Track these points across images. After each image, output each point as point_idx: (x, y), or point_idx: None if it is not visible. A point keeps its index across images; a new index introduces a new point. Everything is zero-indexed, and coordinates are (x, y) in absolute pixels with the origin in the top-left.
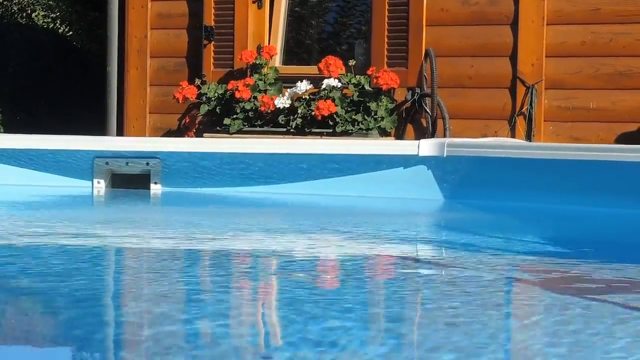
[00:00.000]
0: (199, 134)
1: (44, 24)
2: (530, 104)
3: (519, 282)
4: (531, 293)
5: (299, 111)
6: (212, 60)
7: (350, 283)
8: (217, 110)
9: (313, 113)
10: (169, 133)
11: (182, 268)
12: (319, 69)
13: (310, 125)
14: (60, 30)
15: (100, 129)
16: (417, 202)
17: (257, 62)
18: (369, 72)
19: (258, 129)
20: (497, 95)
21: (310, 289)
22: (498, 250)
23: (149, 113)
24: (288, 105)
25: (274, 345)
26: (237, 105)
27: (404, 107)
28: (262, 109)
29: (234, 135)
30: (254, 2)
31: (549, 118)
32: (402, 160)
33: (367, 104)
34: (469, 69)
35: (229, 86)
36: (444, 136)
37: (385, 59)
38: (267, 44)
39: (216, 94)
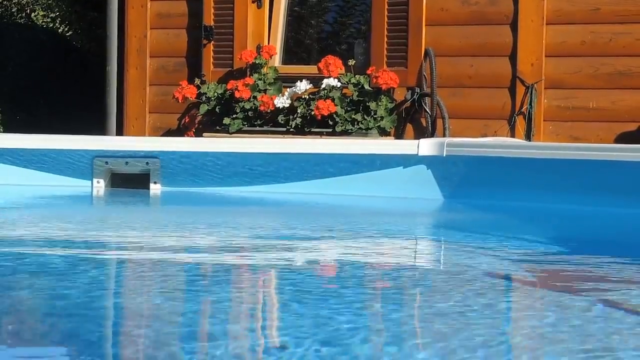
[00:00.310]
0: (198, 134)
1: (43, 23)
2: (530, 104)
3: (518, 281)
4: (531, 292)
5: (299, 111)
6: (211, 59)
7: (349, 283)
8: (217, 109)
9: (313, 113)
10: (169, 133)
11: (182, 268)
12: (319, 69)
13: (310, 125)
14: (59, 30)
15: (99, 129)
16: (416, 202)
17: (257, 62)
18: (368, 72)
19: (258, 128)
20: (496, 95)
21: (310, 289)
22: (498, 250)
23: (149, 113)
24: (288, 105)
25: (274, 343)
26: (236, 105)
27: (404, 106)
28: (262, 108)
29: (233, 135)
30: (253, 2)
31: (548, 118)
32: (401, 159)
33: (367, 104)
34: (468, 68)
35: (229, 86)
36: (444, 136)
37: (385, 59)
38: (267, 44)
39: (216, 94)
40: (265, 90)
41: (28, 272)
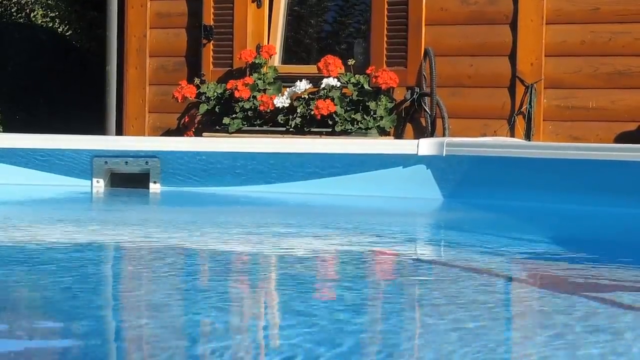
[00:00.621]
0: (198, 134)
1: (43, 23)
2: (530, 103)
3: (518, 281)
4: (530, 292)
5: (298, 110)
6: (211, 59)
7: (348, 282)
8: (217, 109)
9: (312, 112)
10: (168, 132)
11: (181, 267)
12: (318, 69)
13: (310, 125)
14: (59, 30)
15: (99, 128)
16: (416, 202)
17: (257, 62)
18: (368, 72)
19: (257, 128)
20: (496, 95)
21: (309, 289)
22: (497, 250)
23: (148, 112)
24: (287, 105)
25: (273, 343)
26: (236, 105)
27: (403, 106)
28: (262, 108)
29: (233, 135)
30: (253, 2)
31: (548, 117)
32: (401, 159)
33: (367, 103)
34: (468, 68)
35: (228, 85)
36: (443, 135)
37: (385, 58)
38: (267, 43)
39: (215, 94)
40: (264, 90)
41: (26, 272)
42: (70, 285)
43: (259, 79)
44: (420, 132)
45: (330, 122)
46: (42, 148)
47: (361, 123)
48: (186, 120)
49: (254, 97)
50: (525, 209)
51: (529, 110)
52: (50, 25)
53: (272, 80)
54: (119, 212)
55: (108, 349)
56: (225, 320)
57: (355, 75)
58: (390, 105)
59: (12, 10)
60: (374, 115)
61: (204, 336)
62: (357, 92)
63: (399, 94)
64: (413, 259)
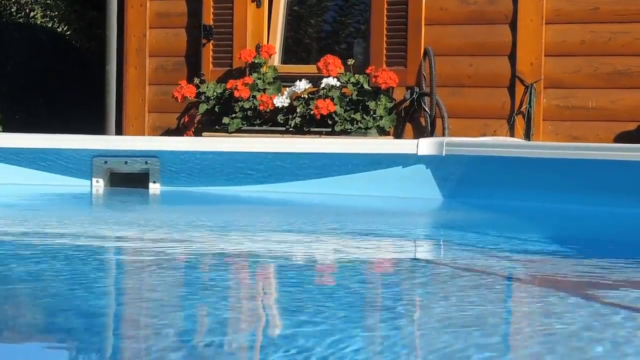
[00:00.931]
0: (197, 133)
1: (42, 23)
2: (529, 103)
3: (517, 280)
4: (530, 292)
5: (298, 110)
6: (210, 59)
7: (348, 282)
8: (216, 109)
9: (312, 112)
10: (168, 132)
11: (181, 267)
12: (318, 68)
13: (309, 125)
14: (59, 30)
15: (99, 128)
16: (416, 201)
17: (256, 61)
18: (367, 71)
19: (257, 128)
20: (496, 95)
21: (308, 288)
22: (497, 249)
23: (148, 112)
24: (287, 105)
25: (273, 344)
26: (236, 105)
27: (403, 106)
28: (261, 108)
29: (232, 135)
30: (252, 1)
31: (548, 117)
32: (401, 159)
33: (366, 103)
34: (467, 68)
35: (228, 85)
36: (443, 135)
37: (384, 58)
38: (266, 43)
39: (215, 93)
40: (264, 90)
41: (26, 271)
42: (69, 285)
43: (259, 78)
44: (420, 132)
45: (329, 122)
46: (41, 148)
47: (361, 123)
48: (186, 120)
49: (254, 96)
50: (524, 209)
51: (528, 110)
52: (49, 25)
53: (272, 80)
54: (118, 212)
55: (107, 349)
56: (225, 320)
57: (355, 75)
58: (389, 105)
59: (12, 10)
60: (374, 115)
61: (203, 336)
62: (356, 92)
63: (399, 94)
64: (412, 259)
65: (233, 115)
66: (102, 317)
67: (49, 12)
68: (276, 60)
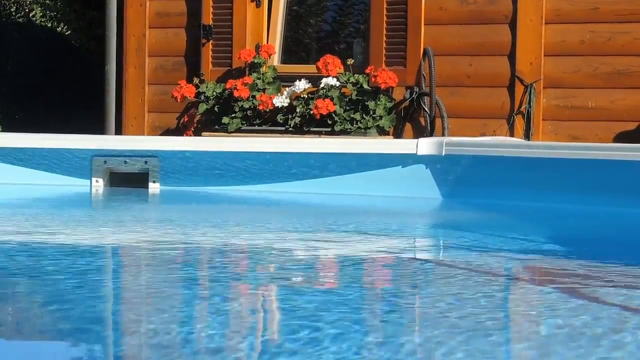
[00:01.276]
0: (197, 133)
1: (42, 22)
2: (529, 103)
3: (517, 280)
4: (529, 291)
5: (298, 110)
6: (210, 59)
7: (347, 282)
8: (216, 109)
9: (311, 112)
10: (168, 132)
11: (180, 267)
12: (318, 68)
13: (309, 124)
14: (58, 29)
15: (98, 128)
16: (415, 201)
17: (256, 61)
18: (367, 71)
19: (256, 127)
20: (495, 94)
21: (307, 288)
22: (496, 249)
23: (148, 112)
24: (286, 104)
25: (272, 345)
26: (235, 104)
27: (403, 106)
28: (261, 107)
29: (232, 134)
30: (252, 1)
31: (547, 117)
32: (400, 159)
33: (366, 103)
34: (467, 67)
35: (228, 85)
36: (443, 135)
37: (384, 58)
38: (266, 43)
39: (215, 93)
40: (264, 90)
41: (25, 271)
42: (69, 284)
43: (258, 78)
44: (420, 132)
45: (329, 122)
46: (41, 147)
47: (360, 122)
48: (185, 119)
49: (253, 96)
50: (524, 209)
51: (528, 110)
52: (49, 24)
53: (272, 79)
54: (118, 212)
55: (108, 349)
56: (224, 320)
57: (355, 75)
58: (389, 104)
59: (12, 10)
60: (373, 115)
61: (204, 336)
62: (356, 92)
63: (398, 94)
64: (411, 259)
65: (232, 115)
66: (102, 316)
67: (48, 12)
68: (276, 60)
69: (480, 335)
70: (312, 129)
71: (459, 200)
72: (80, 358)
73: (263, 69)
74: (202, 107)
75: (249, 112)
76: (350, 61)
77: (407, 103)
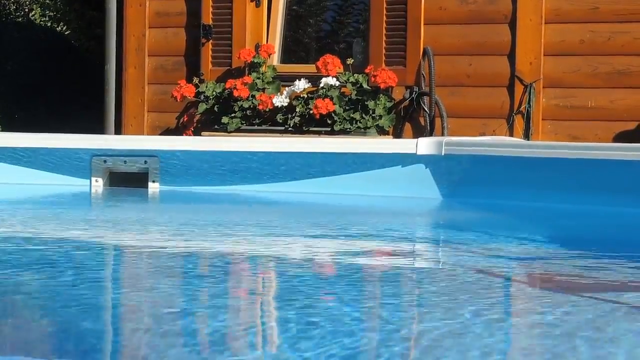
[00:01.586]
0: (197, 133)
1: (41, 22)
2: (529, 103)
3: (516, 280)
4: (529, 291)
5: (297, 110)
6: (210, 58)
7: (347, 282)
8: (215, 108)
9: (311, 111)
10: (167, 131)
11: (180, 267)
12: (317, 68)
13: (309, 124)
14: (58, 29)
15: (98, 128)
16: (415, 201)
17: (255, 61)
18: (367, 71)
19: (256, 127)
20: (495, 94)
21: (307, 288)
22: (496, 249)
23: (147, 111)
24: (286, 104)
25: (270, 345)
26: (235, 104)
27: (402, 105)
28: (260, 107)
29: (232, 134)
30: (252, 1)
31: (547, 117)
32: (400, 158)
33: (365, 103)
34: (467, 67)
35: (227, 85)
36: (442, 135)
37: (384, 58)
38: (265, 43)
39: (214, 93)
40: (263, 89)
41: (25, 271)
42: (69, 284)
43: (258, 78)
44: (419, 132)
45: (329, 122)
46: (41, 147)
47: (360, 122)
48: (185, 119)
49: (253, 96)
50: (524, 209)
51: (527, 110)
52: (49, 24)
53: (271, 79)
54: (117, 212)
55: (107, 349)
56: (224, 320)
57: (354, 75)
58: (389, 104)
59: (11, 9)
60: (373, 115)
61: (203, 336)
62: (356, 92)
63: (398, 93)
64: (410, 259)
65: (232, 115)
66: (101, 315)
67: (47, 12)
68: (275, 59)
69: (481, 335)
70: (311, 129)
71: (458, 200)
72: (77, 354)
73: (263, 69)
74: (202, 107)
75: (248, 111)
76: (349, 61)
77: (406, 103)
